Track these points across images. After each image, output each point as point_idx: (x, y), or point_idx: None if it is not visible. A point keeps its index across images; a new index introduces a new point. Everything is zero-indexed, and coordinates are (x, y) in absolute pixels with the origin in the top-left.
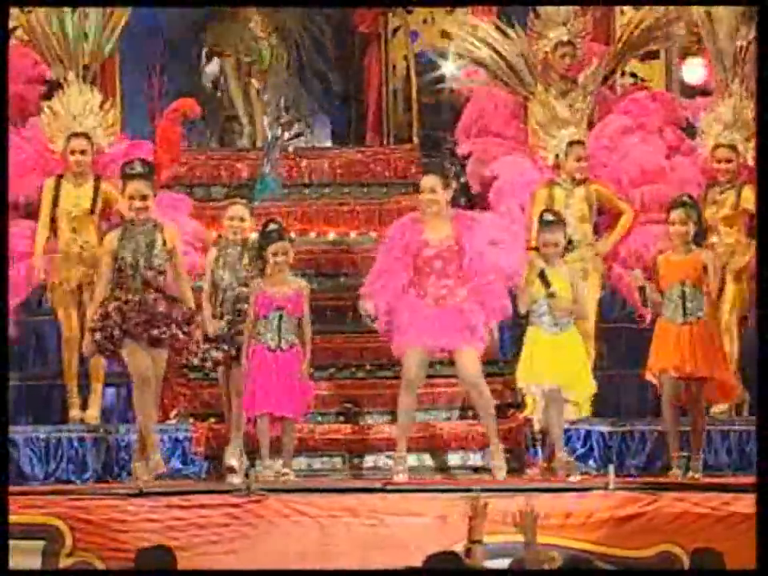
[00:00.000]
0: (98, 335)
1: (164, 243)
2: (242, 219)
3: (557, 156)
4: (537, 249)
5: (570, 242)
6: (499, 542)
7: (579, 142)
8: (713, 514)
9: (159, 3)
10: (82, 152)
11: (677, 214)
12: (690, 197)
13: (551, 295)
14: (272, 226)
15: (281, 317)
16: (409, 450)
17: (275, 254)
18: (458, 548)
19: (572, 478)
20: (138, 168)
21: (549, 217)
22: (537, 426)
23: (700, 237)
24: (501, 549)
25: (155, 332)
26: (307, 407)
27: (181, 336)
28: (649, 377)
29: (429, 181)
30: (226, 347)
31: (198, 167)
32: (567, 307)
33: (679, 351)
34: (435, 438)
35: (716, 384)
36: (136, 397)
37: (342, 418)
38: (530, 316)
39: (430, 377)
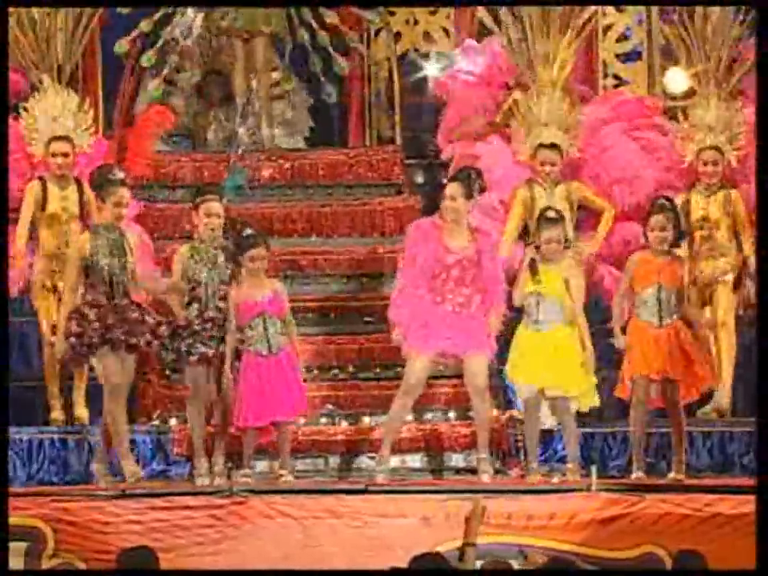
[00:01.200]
0: (73, 340)
1: (130, 249)
2: (218, 216)
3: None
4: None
5: (566, 239)
6: (487, 543)
7: (550, 146)
8: (695, 516)
9: (155, 3)
10: (64, 155)
11: (657, 220)
12: (669, 200)
13: (538, 282)
14: (248, 231)
15: (264, 321)
16: (401, 451)
17: (253, 260)
18: (443, 549)
19: (554, 480)
20: (120, 174)
21: (550, 214)
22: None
23: (679, 240)
24: (487, 550)
25: (133, 340)
26: (304, 407)
27: (154, 343)
28: (627, 381)
29: (451, 188)
30: (213, 344)
31: (179, 169)
32: (558, 304)
33: (658, 354)
34: (425, 438)
35: (689, 381)
36: (107, 404)
37: (324, 420)
38: (523, 313)
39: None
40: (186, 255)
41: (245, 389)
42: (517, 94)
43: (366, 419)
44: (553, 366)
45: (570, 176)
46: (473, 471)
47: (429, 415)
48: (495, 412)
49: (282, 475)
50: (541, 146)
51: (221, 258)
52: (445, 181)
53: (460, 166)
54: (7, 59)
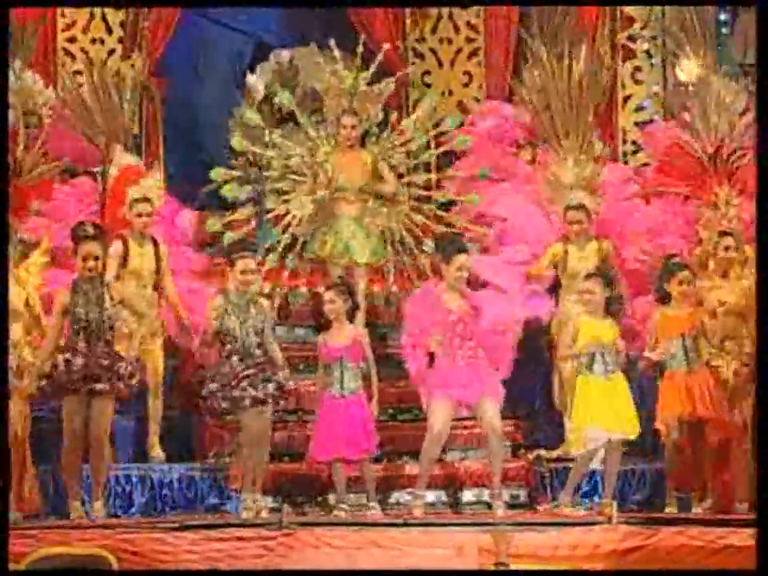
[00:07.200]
0: (43, 381)
1: (111, 298)
2: (253, 272)
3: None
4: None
5: (620, 297)
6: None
7: (577, 207)
8: (709, 547)
9: (163, 3)
10: (148, 214)
11: (684, 276)
12: (682, 259)
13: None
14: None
15: (341, 365)
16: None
17: (324, 303)
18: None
19: (579, 513)
20: (90, 230)
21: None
22: (596, 465)
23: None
24: None
25: (98, 386)
26: (371, 448)
27: (122, 388)
28: (659, 425)
29: (463, 259)
30: (260, 387)
31: None
32: (615, 353)
33: (690, 396)
34: (452, 475)
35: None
36: (65, 450)
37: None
38: (578, 367)
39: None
40: (220, 305)
41: (318, 426)
42: (526, 153)
43: (403, 458)
44: (620, 411)
45: (599, 232)
46: (512, 506)
47: (461, 454)
48: (522, 450)
49: (370, 507)
50: (569, 207)
51: (252, 312)
52: None
53: (455, 238)
54: (7, 59)
